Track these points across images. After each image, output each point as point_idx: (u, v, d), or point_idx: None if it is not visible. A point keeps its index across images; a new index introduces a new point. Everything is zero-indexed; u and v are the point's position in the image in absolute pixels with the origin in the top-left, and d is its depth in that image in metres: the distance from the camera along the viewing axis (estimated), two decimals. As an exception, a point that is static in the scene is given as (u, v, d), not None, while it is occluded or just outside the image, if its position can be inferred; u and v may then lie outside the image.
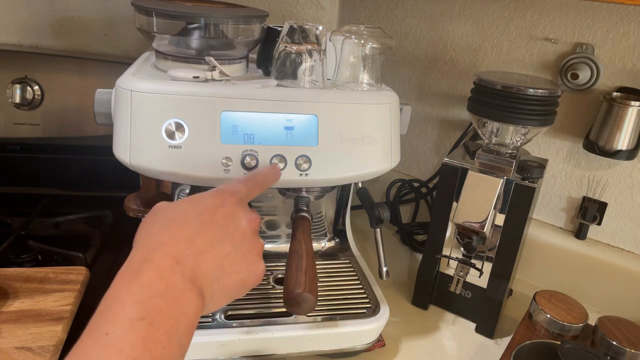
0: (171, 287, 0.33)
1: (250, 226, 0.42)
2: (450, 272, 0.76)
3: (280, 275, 0.73)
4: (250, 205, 0.45)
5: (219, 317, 0.62)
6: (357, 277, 0.74)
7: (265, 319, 0.63)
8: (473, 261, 0.73)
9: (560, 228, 0.87)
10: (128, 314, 0.31)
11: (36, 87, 0.90)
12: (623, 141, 0.73)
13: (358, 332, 0.64)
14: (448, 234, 0.74)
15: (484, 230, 0.68)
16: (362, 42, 0.62)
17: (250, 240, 0.42)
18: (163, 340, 0.31)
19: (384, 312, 0.66)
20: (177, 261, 0.35)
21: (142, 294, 0.32)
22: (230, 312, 0.63)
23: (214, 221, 0.39)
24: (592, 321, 0.66)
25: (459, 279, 0.74)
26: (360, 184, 0.69)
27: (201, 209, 0.40)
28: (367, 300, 0.68)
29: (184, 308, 0.34)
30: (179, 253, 0.36)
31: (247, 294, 0.66)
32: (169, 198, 0.69)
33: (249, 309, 0.65)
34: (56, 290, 0.65)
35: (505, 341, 0.71)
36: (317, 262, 0.71)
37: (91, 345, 0.30)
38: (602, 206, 0.81)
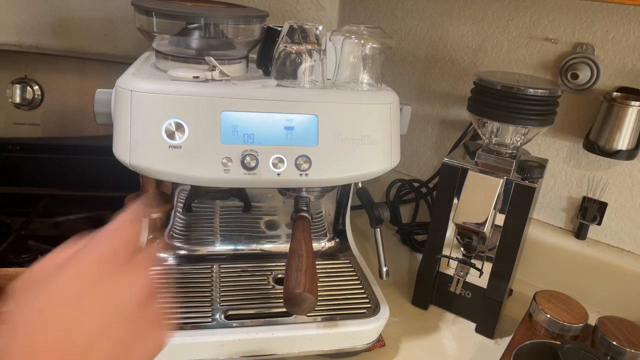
0: None
1: (139, 297, 0.34)
2: (450, 272, 0.76)
3: (280, 275, 0.73)
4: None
5: (219, 317, 0.62)
6: (357, 277, 0.74)
7: (265, 319, 0.63)
8: (473, 261, 0.73)
9: (560, 228, 0.87)
10: None
11: (36, 87, 0.90)
12: (623, 141, 0.73)
13: (358, 332, 0.64)
14: (448, 234, 0.74)
15: (484, 230, 0.68)
16: (362, 42, 0.62)
17: (140, 318, 0.33)
18: None
19: (384, 312, 0.66)
20: None
21: None
22: (230, 312, 0.63)
23: (91, 309, 0.32)
24: (592, 321, 0.66)
25: (459, 279, 0.74)
26: (360, 184, 0.69)
27: (78, 291, 0.32)
28: (367, 300, 0.68)
29: None
30: None
31: (247, 293, 0.67)
32: (169, 198, 0.69)
33: (249, 309, 0.65)
34: (56, 290, 0.65)
35: (505, 341, 0.71)
36: (317, 262, 0.71)
37: None
38: (602, 206, 0.81)
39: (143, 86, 0.53)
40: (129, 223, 0.39)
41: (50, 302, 0.32)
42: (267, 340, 0.61)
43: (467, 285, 0.75)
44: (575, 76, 0.76)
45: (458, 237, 0.73)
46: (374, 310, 0.66)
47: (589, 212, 0.82)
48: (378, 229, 0.67)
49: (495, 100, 0.66)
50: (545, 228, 0.87)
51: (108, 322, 0.32)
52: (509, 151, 0.70)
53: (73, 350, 0.30)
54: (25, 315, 0.31)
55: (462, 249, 0.73)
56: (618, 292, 0.80)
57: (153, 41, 0.61)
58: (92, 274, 0.33)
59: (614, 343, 0.60)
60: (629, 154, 0.74)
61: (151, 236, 0.75)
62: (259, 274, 0.73)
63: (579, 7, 0.77)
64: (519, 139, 0.70)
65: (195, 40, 0.60)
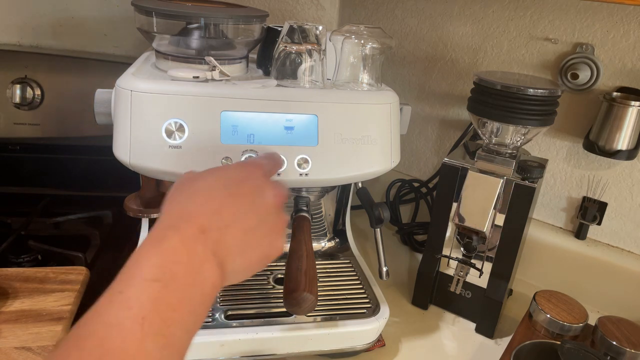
0: (192, 256, 0.34)
1: (276, 200, 0.42)
2: (450, 272, 0.76)
3: (280, 275, 0.73)
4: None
5: (219, 317, 0.62)
6: (357, 277, 0.74)
7: (265, 319, 0.63)
8: (473, 261, 0.73)
9: (560, 228, 0.87)
10: (144, 275, 0.31)
11: (36, 87, 0.90)
12: (623, 141, 0.73)
13: (358, 332, 0.64)
14: (448, 234, 0.74)
15: (484, 230, 0.68)
16: (362, 42, 0.62)
17: (275, 216, 0.41)
18: (174, 304, 0.31)
19: (384, 312, 0.66)
20: (202, 231, 0.35)
21: (161, 257, 0.33)
22: (230, 312, 0.63)
23: (241, 194, 0.40)
24: (592, 321, 0.66)
25: (459, 279, 0.74)
26: (360, 184, 0.69)
27: (228, 181, 0.40)
28: (367, 300, 0.68)
29: (202, 278, 0.34)
30: (204, 224, 0.36)
31: (247, 293, 0.67)
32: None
33: (249, 309, 0.65)
34: (56, 290, 0.65)
35: (505, 341, 0.71)
36: (317, 262, 0.71)
37: (103, 302, 0.31)
38: (602, 206, 0.81)
39: (143, 86, 0.53)
40: (279, 158, 0.53)
41: (212, 184, 0.40)
42: (267, 340, 0.61)
43: (467, 285, 0.75)
44: (575, 76, 0.76)
45: (458, 237, 0.73)
46: (373, 310, 0.66)
47: (588, 212, 0.82)
48: (378, 229, 0.67)
49: (495, 100, 0.66)
50: (545, 228, 0.87)
51: (254, 207, 0.40)
52: (509, 151, 0.70)
53: (221, 221, 0.37)
54: (189, 190, 0.39)
55: (462, 249, 0.73)
56: (618, 292, 0.80)
57: (153, 41, 0.61)
58: (246, 172, 0.42)
59: (614, 343, 0.60)
60: (629, 154, 0.74)
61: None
62: (259, 273, 0.73)
63: (579, 7, 0.77)
64: (519, 139, 0.70)
65: (195, 40, 0.60)
